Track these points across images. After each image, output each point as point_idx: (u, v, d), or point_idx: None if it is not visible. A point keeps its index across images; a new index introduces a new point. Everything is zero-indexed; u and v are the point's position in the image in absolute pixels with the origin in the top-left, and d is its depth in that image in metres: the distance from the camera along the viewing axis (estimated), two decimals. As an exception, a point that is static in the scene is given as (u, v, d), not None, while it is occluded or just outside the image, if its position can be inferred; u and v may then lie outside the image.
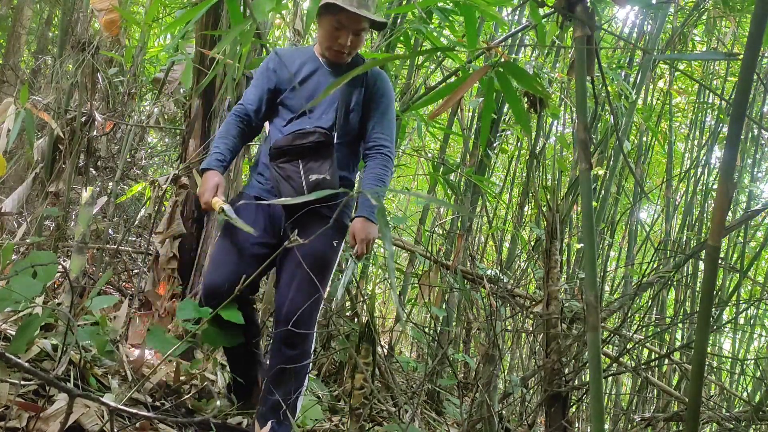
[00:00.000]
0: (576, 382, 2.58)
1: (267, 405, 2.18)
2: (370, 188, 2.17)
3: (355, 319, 3.52)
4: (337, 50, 2.23)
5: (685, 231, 4.82)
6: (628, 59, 4.69)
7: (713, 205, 1.07)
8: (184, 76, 2.90)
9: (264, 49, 3.25)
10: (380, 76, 2.34)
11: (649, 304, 4.65)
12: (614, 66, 4.29)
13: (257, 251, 2.21)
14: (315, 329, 2.22)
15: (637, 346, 3.51)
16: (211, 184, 2.15)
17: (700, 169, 4.98)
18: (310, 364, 2.29)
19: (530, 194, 4.38)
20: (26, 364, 1.29)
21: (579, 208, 3.73)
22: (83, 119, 3.60)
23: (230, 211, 2.06)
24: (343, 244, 2.34)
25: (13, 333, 2.01)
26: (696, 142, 5.33)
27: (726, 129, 4.73)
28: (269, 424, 2.12)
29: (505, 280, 3.80)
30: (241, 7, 2.53)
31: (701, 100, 5.24)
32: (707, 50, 5.03)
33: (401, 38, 3.42)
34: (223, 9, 3.13)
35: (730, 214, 4.47)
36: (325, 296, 2.21)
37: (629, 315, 3.32)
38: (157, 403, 2.20)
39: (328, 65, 2.30)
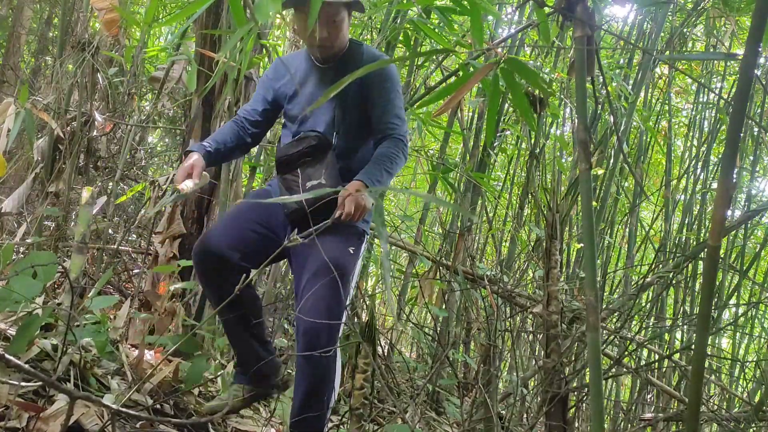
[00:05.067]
0: (576, 382, 2.59)
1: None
2: (377, 162, 2.05)
3: (355, 319, 3.52)
4: (319, 45, 2.11)
5: (685, 231, 4.82)
6: (627, 60, 4.70)
7: (713, 204, 1.07)
8: (189, 78, 2.89)
9: (264, 49, 3.25)
10: (376, 59, 2.18)
11: (650, 306, 4.65)
12: (614, 67, 4.29)
13: (257, 228, 2.13)
14: (337, 344, 2.05)
15: (638, 348, 3.52)
16: (186, 164, 2.06)
17: (699, 169, 4.98)
18: (336, 381, 2.13)
19: (530, 194, 4.38)
20: (26, 366, 1.29)
21: (579, 208, 3.73)
22: (83, 119, 3.60)
23: (174, 195, 2.05)
24: (361, 251, 2.19)
25: (13, 333, 2.01)
26: (695, 141, 5.33)
27: (725, 128, 4.73)
28: None
29: (505, 280, 3.79)
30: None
31: (700, 101, 5.24)
32: (706, 50, 5.03)
33: (401, 38, 3.41)
34: (223, 8, 3.13)
35: (729, 213, 4.47)
36: (347, 306, 2.09)
37: (629, 316, 3.32)
38: (157, 405, 2.19)
39: (321, 62, 2.19)
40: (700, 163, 4.97)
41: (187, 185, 2.02)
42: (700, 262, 4.09)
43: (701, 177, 4.96)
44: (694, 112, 5.33)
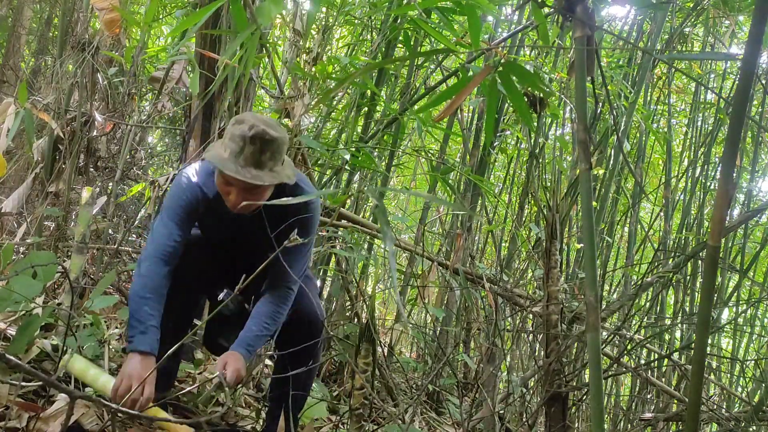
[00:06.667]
0: (576, 382, 2.59)
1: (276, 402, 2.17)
2: (259, 326, 2.01)
3: (355, 320, 3.53)
4: (232, 207, 1.92)
5: (684, 230, 4.82)
6: (627, 60, 4.69)
7: (713, 204, 1.07)
8: (192, 83, 2.89)
9: (264, 49, 3.25)
10: (302, 207, 2.03)
11: (649, 305, 4.65)
12: (613, 66, 4.29)
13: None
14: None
15: (637, 346, 3.52)
16: (133, 374, 1.77)
17: (698, 169, 4.98)
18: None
19: (530, 194, 4.39)
20: (27, 366, 1.29)
21: (579, 208, 3.73)
22: (83, 119, 3.60)
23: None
24: None
25: (13, 333, 2.01)
26: (694, 140, 5.33)
27: (724, 128, 4.73)
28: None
29: (505, 279, 3.79)
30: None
31: (699, 100, 5.24)
32: (704, 49, 5.03)
33: (401, 38, 3.41)
34: (223, 8, 3.13)
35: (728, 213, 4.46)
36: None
37: (629, 315, 3.32)
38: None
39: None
40: (699, 163, 4.97)
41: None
42: (700, 262, 4.09)
43: (700, 177, 4.96)
44: (692, 113, 5.33)
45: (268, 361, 3.11)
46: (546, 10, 1.51)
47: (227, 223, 2.05)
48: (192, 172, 2.04)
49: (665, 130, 5.42)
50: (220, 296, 2.11)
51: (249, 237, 2.08)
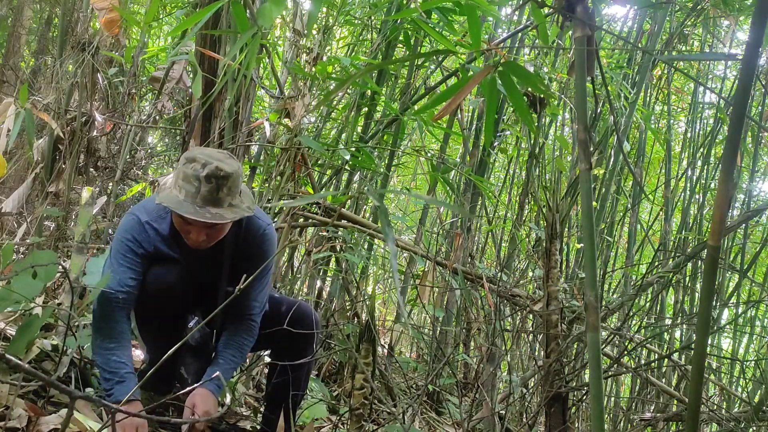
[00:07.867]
0: (576, 382, 2.59)
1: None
2: (227, 359, 2.02)
3: (355, 320, 3.52)
4: (193, 244, 1.90)
5: (684, 230, 4.82)
6: (627, 60, 4.69)
7: (713, 204, 1.07)
8: (195, 86, 2.89)
9: (264, 49, 3.25)
10: (258, 237, 2.04)
11: (649, 305, 4.65)
12: (613, 66, 4.29)
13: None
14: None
15: (637, 347, 3.52)
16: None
17: (698, 169, 4.98)
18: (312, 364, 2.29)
19: (530, 194, 4.39)
20: (27, 366, 1.29)
21: (579, 208, 3.73)
22: (83, 119, 3.61)
23: None
24: None
25: (13, 333, 2.01)
26: (693, 140, 5.33)
27: (723, 128, 4.73)
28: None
29: (504, 279, 3.79)
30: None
31: (698, 101, 5.24)
32: (704, 48, 5.03)
33: (401, 38, 3.41)
34: (223, 8, 3.13)
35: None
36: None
37: (629, 315, 3.32)
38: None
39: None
40: (699, 163, 4.97)
41: None
42: (700, 262, 4.09)
43: (700, 177, 4.96)
44: (691, 113, 5.33)
45: (266, 359, 3.11)
46: (546, 10, 1.51)
47: (186, 256, 2.00)
48: (140, 210, 2.00)
49: (665, 130, 5.42)
50: (191, 324, 2.08)
51: (210, 268, 2.05)
